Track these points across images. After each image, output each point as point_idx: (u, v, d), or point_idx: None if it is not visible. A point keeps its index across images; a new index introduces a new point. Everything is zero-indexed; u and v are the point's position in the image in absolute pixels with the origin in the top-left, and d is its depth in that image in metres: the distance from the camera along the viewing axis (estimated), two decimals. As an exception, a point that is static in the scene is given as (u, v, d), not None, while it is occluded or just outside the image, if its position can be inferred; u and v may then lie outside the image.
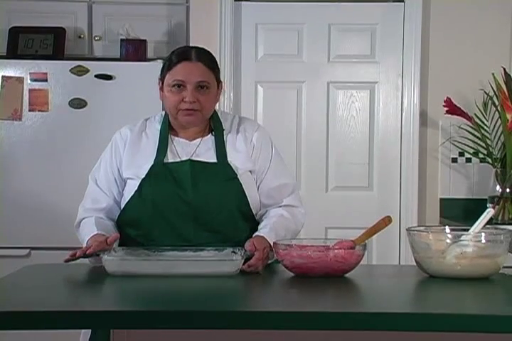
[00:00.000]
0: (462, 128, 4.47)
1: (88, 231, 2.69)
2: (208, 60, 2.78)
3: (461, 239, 2.40)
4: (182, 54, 2.78)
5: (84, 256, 2.55)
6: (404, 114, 4.58)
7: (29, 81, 4.34)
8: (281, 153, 2.94)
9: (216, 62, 2.83)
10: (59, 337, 2.92)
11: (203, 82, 2.74)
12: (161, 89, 2.81)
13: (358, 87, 4.61)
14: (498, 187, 4.37)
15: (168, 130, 2.81)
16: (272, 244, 2.56)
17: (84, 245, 2.63)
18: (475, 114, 4.44)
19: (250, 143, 2.83)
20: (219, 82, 2.82)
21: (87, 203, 2.82)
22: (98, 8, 4.65)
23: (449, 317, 1.97)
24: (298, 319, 1.98)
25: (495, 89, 4.37)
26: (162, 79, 2.79)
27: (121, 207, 2.78)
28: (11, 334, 2.28)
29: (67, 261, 2.53)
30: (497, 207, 4.24)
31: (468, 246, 2.38)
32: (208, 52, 2.83)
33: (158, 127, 2.83)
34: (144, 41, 4.53)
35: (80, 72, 4.34)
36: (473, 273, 2.38)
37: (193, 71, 2.74)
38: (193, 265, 2.44)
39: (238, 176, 2.75)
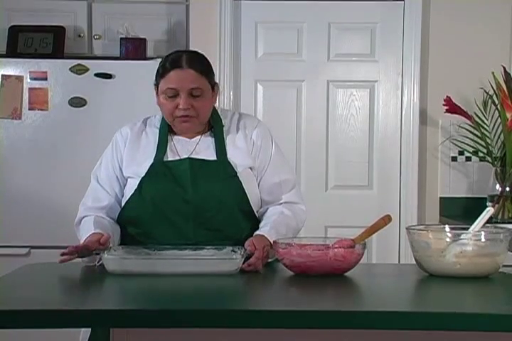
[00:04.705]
0: (462, 127, 4.47)
1: (87, 230, 2.69)
2: (199, 65, 2.76)
3: (461, 237, 2.40)
4: (173, 62, 2.75)
5: (79, 255, 2.54)
6: (404, 112, 4.57)
7: (29, 80, 4.34)
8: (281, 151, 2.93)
9: (209, 65, 2.80)
10: (58, 335, 2.92)
11: (195, 89, 2.72)
12: (157, 94, 2.80)
13: (358, 86, 4.61)
14: (497, 186, 4.37)
15: (167, 128, 2.81)
16: (272, 243, 2.56)
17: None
18: (475, 113, 4.44)
19: (250, 139, 2.83)
20: (214, 84, 2.80)
21: (88, 201, 2.82)
22: (98, 6, 4.65)
23: (449, 315, 1.97)
24: (297, 317, 1.98)
25: (495, 87, 4.37)
26: (157, 85, 2.78)
27: (122, 206, 2.78)
28: (10, 333, 2.28)
29: (62, 261, 2.52)
30: (497, 205, 4.23)
31: (468, 245, 2.38)
32: (201, 56, 2.81)
33: (158, 126, 2.83)
34: (144, 40, 4.53)
35: (80, 70, 4.34)
36: (472, 271, 2.38)
37: (185, 78, 2.72)
38: (193, 264, 2.43)
39: (238, 174, 2.75)
